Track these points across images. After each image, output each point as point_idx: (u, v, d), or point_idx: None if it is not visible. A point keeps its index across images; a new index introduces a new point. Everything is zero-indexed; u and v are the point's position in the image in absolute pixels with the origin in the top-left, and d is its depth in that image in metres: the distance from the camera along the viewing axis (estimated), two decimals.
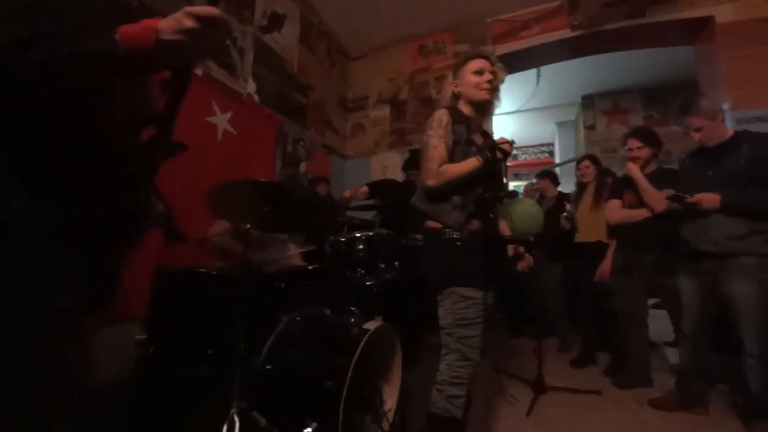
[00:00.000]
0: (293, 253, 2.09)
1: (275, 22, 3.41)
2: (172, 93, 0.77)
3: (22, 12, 0.67)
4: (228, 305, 1.47)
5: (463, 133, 1.48)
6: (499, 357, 2.80)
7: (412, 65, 4.45)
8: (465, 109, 1.57)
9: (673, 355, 2.67)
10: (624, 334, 2.36)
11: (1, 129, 0.71)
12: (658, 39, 3.63)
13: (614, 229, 2.43)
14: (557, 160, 7.27)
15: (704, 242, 1.83)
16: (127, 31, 0.67)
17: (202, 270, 1.61)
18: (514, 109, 6.56)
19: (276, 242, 2.01)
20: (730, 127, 1.91)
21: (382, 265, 2.17)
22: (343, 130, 4.63)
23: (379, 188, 3.04)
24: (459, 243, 1.41)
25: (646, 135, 2.32)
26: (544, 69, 5.02)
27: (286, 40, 3.54)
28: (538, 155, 8.49)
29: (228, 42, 2.85)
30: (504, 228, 1.72)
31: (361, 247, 2.14)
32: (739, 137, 1.81)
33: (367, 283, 2.06)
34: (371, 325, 1.49)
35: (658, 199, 2.10)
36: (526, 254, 1.86)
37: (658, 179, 2.18)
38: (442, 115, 1.48)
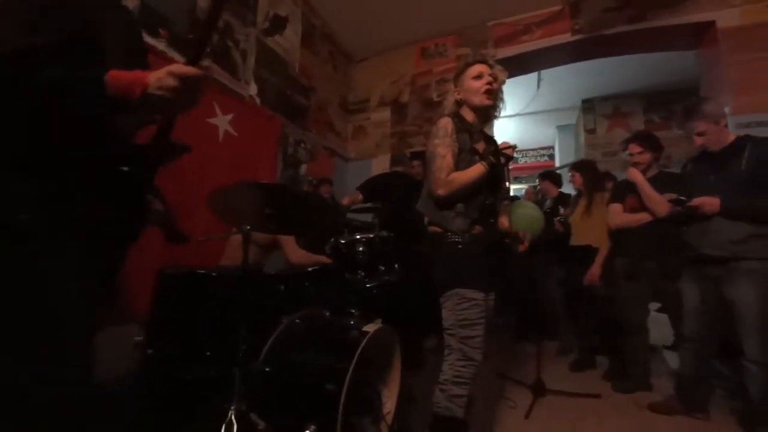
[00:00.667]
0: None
1: (277, 24, 3.42)
2: (159, 129, 0.84)
3: (28, 23, 0.71)
4: (228, 307, 1.48)
5: (467, 141, 1.50)
6: (500, 361, 2.80)
7: (414, 68, 4.46)
8: (468, 115, 1.58)
9: (673, 360, 2.67)
10: (624, 339, 2.36)
11: (8, 135, 0.73)
12: (660, 43, 3.64)
13: (616, 234, 2.42)
14: (557, 163, 7.28)
15: (706, 246, 1.82)
16: (117, 77, 0.71)
17: (203, 271, 1.61)
18: (514, 112, 6.57)
19: None
20: (732, 132, 1.91)
21: (382, 267, 2.17)
22: (344, 132, 4.65)
23: (372, 189, 3.04)
24: (461, 246, 1.44)
25: (647, 140, 2.32)
26: (545, 73, 5.04)
27: (288, 42, 3.56)
28: (539, 158, 8.50)
29: (230, 44, 2.86)
30: (505, 224, 1.74)
31: (361, 249, 2.14)
32: (742, 142, 1.81)
33: (367, 285, 2.06)
34: (371, 327, 1.48)
35: (660, 203, 2.10)
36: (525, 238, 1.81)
37: (659, 183, 2.18)
38: (446, 124, 1.49)
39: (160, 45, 2.25)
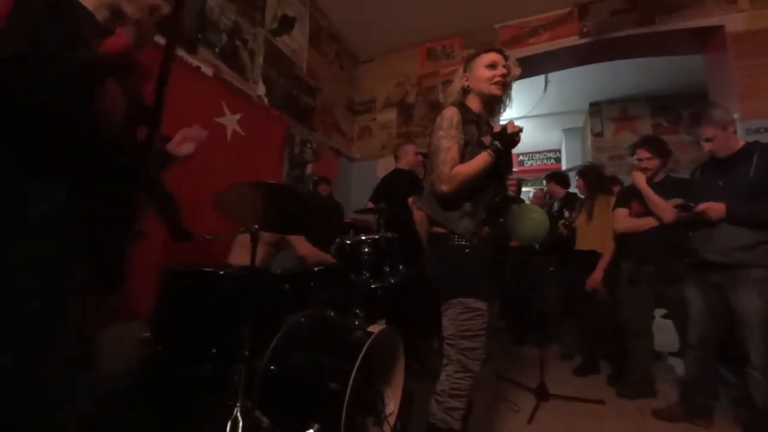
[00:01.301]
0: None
1: (285, 24, 3.44)
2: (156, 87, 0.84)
3: (22, 28, 0.75)
4: (233, 305, 1.49)
5: (474, 133, 1.40)
6: (502, 364, 2.79)
7: (420, 69, 4.46)
8: (474, 105, 1.48)
9: (678, 366, 2.65)
10: (628, 344, 2.35)
11: (16, 132, 0.75)
12: (668, 47, 3.62)
13: (621, 238, 2.41)
14: (564, 166, 7.24)
15: (711, 252, 1.82)
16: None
17: (209, 270, 1.62)
18: (521, 115, 6.55)
19: None
20: (740, 138, 1.90)
21: (387, 268, 2.17)
22: (350, 133, 4.66)
23: (377, 191, 3.04)
24: (468, 250, 1.34)
25: (655, 145, 2.31)
26: (552, 75, 5.02)
27: (295, 42, 3.58)
28: (545, 161, 8.47)
29: (238, 44, 2.88)
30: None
31: (366, 249, 2.15)
32: (751, 148, 1.80)
33: (372, 286, 2.06)
34: (375, 328, 1.49)
35: (665, 208, 2.09)
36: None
37: (666, 188, 2.17)
38: (453, 114, 1.38)
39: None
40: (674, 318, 2.28)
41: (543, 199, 4.07)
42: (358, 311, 1.80)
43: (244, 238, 1.99)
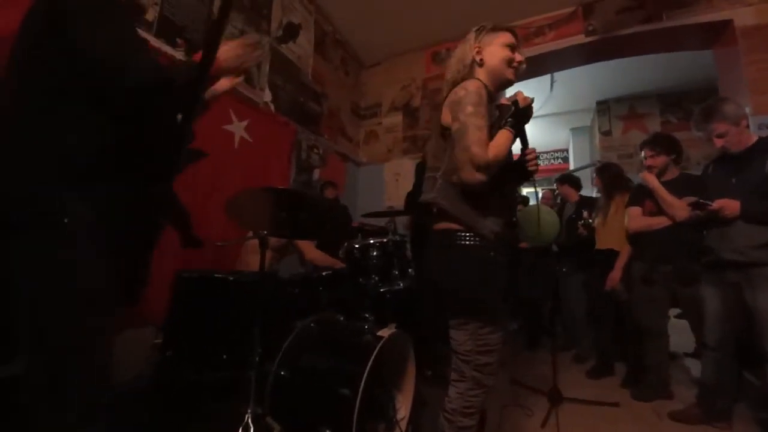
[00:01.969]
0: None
1: (291, 32, 3.48)
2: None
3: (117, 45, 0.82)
4: (244, 311, 1.50)
5: (495, 115, 1.21)
6: (515, 368, 2.76)
7: (426, 72, 4.47)
8: (486, 83, 1.26)
9: (694, 367, 2.59)
10: (643, 345, 2.30)
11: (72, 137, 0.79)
12: (676, 43, 3.58)
13: (634, 238, 2.38)
14: (572, 166, 7.18)
15: (727, 251, 1.78)
16: None
17: (220, 275, 1.64)
18: None
19: None
20: (753, 133, 1.87)
21: (396, 272, 2.17)
22: (356, 137, 4.68)
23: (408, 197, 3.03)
24: (493, 258, 1.15)
25: (660, 142, 2.27)
26: (558, 75, 4.99)
27: (301, 49, 3.61)
28: (552, 161, 8.41)
29: None
30: None
31: (374, 253, 2.14)
32: (764, 143, 1.77)
33: (381, 290, 2.06)
34: (385, 332, 1.49)
35: (678, 207, 2.06)
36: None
37: (680, 186, 2.13)
38: (480, 88, 1.17)
39: (179, 54, 2.31)
40: (689, 318, 2.24)
41: (553, 201, 4.01)
42: (367, 315, 1.79)
43: (253, 244, 2.01)
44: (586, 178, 4.46)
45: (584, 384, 2.54)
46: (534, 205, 1.75)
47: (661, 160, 2.23)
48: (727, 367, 1.89)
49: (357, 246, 2.19)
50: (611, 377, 2.65)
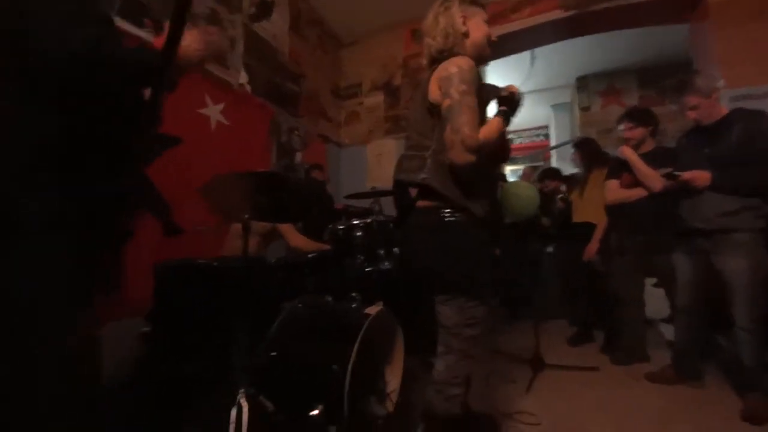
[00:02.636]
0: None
1: (264, 9, 3.35)
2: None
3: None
4: (230, 296, 1.49)
5: (482, 95, 1.18)
6: (497, 338, 2.85)
7: (405, 50, 4.39)
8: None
9: (669, 332, 2.73)
10: (619, 313, 2.41)
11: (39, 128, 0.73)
12: (650, 18, 3.60)
13: (612, 210, 2.45)
14: (552, 143, 7.26)
15: (696, 219, 1.86)
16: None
17: (203, 262, 1.62)
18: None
19: None
20: (725, 105, 1.92)
21: (381, 252, 2.18)
22: (337, 119, 4.60)
23: None
24: (482, 238, 1.18)
25: (637, 115, 2.33)
26: (538, 51, 4.97)
27: (276, 28, 3.49)
28: (533, 138, 8.46)
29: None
30: None
31: (358, 234, 2.15)
32: (734, 115, 1.82)
33: (367, 270, 2.08)
34: (372, 310, 1.51)
35: (654, 178, 2.12)
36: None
37: (656, 158, 2.19)
38: (472, 65, 1.14)
39: (147, 35, 2.20)
40: (665, 286, 2.35)
41: (532, 177, 4.10)
42: (354, 294, 1.81)
43: (238, 230, 1.98)
44: (566, 155, 4.53)
45: (565, 351, 2.65)
46: (513, 181, 1.79)
47: (638, 132, 2.28)
48: (698, 330, 1.99)
49: (341, 227, 2.19)
50: (591, 344, 2.77)
